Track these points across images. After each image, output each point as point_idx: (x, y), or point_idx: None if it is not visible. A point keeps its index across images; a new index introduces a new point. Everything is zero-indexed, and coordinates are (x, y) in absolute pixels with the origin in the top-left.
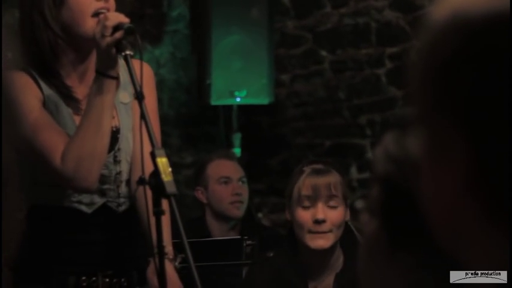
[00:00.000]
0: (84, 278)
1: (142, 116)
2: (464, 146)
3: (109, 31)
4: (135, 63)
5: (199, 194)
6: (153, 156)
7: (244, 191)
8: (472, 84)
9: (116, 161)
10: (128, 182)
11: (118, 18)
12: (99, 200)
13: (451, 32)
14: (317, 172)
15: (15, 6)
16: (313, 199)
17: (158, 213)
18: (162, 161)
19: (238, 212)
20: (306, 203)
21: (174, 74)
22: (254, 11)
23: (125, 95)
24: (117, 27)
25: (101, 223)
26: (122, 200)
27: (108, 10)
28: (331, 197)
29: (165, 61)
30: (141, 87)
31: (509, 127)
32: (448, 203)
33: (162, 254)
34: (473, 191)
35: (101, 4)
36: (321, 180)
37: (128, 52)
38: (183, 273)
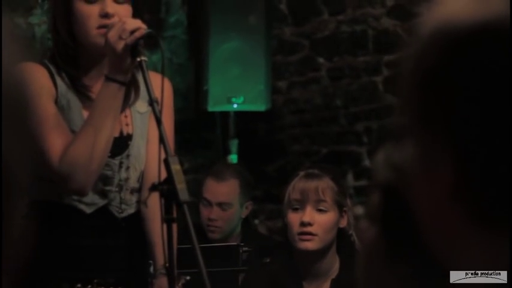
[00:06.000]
0: (79, 285)
1: (157, 121)
2: (450, 156)
3: (127, 34)
4: (156, 78)
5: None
6: (167, 163)
7: (224, 217)
8: (457, 95)
9: (122, 166)
10: (134, 190)
11: (136, 23)
12: (99, 201)
13: (437, 42)
14: (307, 176)
15: (14, 11)
16: (302, 202)
17: (169, 220)
18: (176, 169)
19: (213, 235)
20: (296, 206)
21: (171, 80)
22: (252, 17)
23: (142, 105)
24: (134, 32)
25: (99, 226)
26: (123, 206)
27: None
28: (319, 201)
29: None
30: (160, 98)
31: (491, 136)
32: (437, 211)
33: (172, 263)
34: (460, 199)
35: (105, 21)
36: (310, 185)
37: (143, 58)
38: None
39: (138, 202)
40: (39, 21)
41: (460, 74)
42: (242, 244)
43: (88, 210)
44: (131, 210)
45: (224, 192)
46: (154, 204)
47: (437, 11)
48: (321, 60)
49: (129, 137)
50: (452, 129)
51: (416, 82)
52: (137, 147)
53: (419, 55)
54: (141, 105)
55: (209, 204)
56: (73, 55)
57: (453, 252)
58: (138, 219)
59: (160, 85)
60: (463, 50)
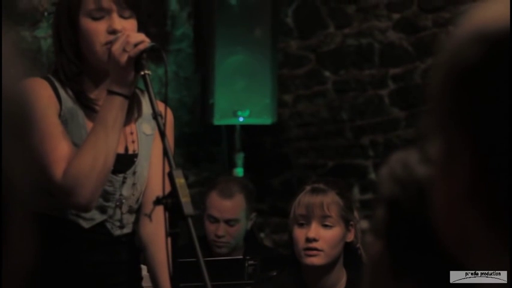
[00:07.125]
0: None
1: (161, 135)
2: (471, 156)
3: (131, 47)
4: (160, 105)
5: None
6: (171, 176)
7: (231, 232)
8: (486, 96)
9: (125, 182)
10: (132, 210)
11: (140, 36)
12: (98, 217)
13: (472, 44)
14: (312, 191)
15: (20, 24)
16: (308, 218)
17: (173, 234)
18: (180, 182)
19: (219, 250)
20: (301, 222)
21: (177, 93)
22: (258, 31)
23: (148, 127)
24: (138, 45)
25: (94, 242)
26: (120, 224)
27: None
28: (325, 216)
29: (168, 80)
30: (161, 114)
31: None
32: (452, 210)
33: (175, 276)
34: (475, 200)
35: (112, 37)
36: (315, 200)
37: (146, 72)
38: None
39: (134, 223)
40: (45, 35)
41: (494, 76)
42: (248, 257)
43: (86, 225)
44: (127, 230)
45: (231, 209)
46: (156, 217)
47: (474, 16)
48: (326, 73)
49: (135, 155)
50: (479, 128)
51: (451, 82)
52: (141, 166)
53: (456, 56)
54: (147, 127)
55: (216, 220)
56: (77, 72)
57: (468, 253)
58: (133, 238)
59: (163, 111)
60: (499, 53)
